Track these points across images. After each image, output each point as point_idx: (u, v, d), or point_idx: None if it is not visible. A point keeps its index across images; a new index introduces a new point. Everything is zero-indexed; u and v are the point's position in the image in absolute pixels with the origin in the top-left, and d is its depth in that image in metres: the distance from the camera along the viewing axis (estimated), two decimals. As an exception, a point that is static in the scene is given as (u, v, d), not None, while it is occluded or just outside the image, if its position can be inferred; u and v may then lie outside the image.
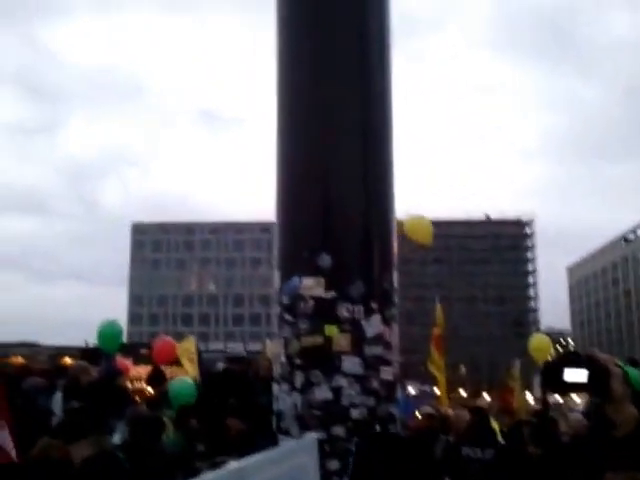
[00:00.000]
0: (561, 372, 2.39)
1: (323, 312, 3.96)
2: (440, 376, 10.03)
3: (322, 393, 3.87)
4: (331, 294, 3.96)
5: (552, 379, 2.45)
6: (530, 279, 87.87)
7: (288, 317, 4.09)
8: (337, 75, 4.08)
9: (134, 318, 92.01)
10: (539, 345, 10.07)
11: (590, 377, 2.35)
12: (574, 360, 2.45)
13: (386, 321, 4.06)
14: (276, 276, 4.29)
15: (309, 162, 4.10)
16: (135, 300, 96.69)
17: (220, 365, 9.56)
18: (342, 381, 3.87)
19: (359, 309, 3.96)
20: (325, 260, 3.97)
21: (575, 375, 2.37)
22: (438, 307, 10.22)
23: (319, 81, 4.07)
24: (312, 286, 3.99)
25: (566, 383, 2.40)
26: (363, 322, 3.96)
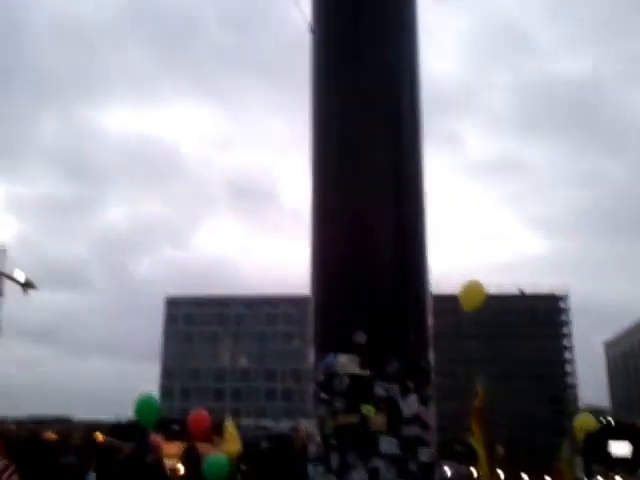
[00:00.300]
0: (604, 443, 2.33)
1: (359, 390, 3.91)
2: (481, 451, 9.77)
3: (358, 475, 3.78)
4: (367, 372, 3.92)
5: (595, 451, 2.38)
6: (567, 355, 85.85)
7: (323, 395, 4.04)
8: (371, 152, 4.13)
9: (166, 392, 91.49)
10: (585, 424, 9.78)
11: (634, 447, 2.28)
12: (617, 431, 2.37)
13: (423, 401, 3.99)
14: (311, 353, 4.26)
15: (343, 236, 4.12)
16: (167, 374, 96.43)
17: (264, 444, 9.53)
18: (379, 463, 3.79)
19: (395, 388, 3.91)
20: (360, 337, 3.95)
21: (618, 446, 2.30)
22: (479, 386, 10.07)
23: (354, 160, 4.12)
24: (347, 363, 3.95)
25: (609, 454, 2.33)
26: (400, 401, 3.90)
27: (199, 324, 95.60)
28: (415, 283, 4.20)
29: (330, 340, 4.07)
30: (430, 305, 4.37)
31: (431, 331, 4.28)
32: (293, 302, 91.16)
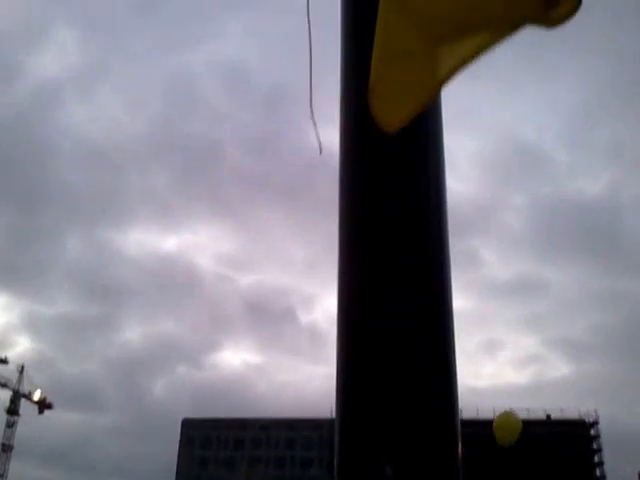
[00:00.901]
0: None
1: (386, 529, 3.61)
2: None
3: None
4: (394, 508, 3.63)
5: None
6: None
7: (347, 533, 3.73)
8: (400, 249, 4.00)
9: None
10: None
11: None
12: None
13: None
14: (334, 485, 3.98)
15: (371, 361, 3.93)
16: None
17: None
18: None
19: (425, 526, 3.60)
20: (388, 471, 3.69)
21: None
22: None
23: (382, 252, 3.99)
24: (373, 499, 3.67)
25: None
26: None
27: (215, 448, 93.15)
28: (444, 410, 3.96)
29: (355, 472, 3.81)
30: (459, 433, 4.11)
31: (461, 460, 4.00)
32: (312, 425, 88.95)
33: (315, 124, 3.68)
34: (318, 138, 3.70)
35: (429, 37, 1.75)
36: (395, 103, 1.86)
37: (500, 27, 1.63)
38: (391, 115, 1.91)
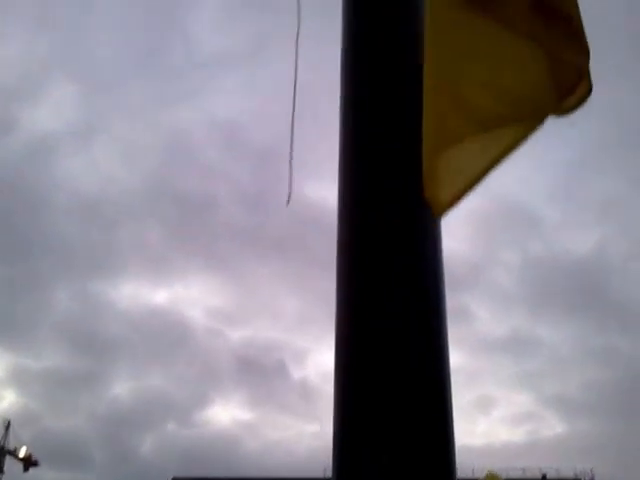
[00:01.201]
0: None
1: None
2: None
3: None
4: None
5: None
6: None
7: None
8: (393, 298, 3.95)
9: None
10: None
11: None
12: None
13: None
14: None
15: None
16: None
17: None
18: None
19: None
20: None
21: None
22: None
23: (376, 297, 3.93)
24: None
25: None
26: None
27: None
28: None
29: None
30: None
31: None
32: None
33: (291, 168, 3.65)
34: (290, 185, 3.67)
35: (472, 122, 1.82)
36: (447, 188, 1.92)
37: (529, 119, 1.73)
38: (443, 199, 2.01)
